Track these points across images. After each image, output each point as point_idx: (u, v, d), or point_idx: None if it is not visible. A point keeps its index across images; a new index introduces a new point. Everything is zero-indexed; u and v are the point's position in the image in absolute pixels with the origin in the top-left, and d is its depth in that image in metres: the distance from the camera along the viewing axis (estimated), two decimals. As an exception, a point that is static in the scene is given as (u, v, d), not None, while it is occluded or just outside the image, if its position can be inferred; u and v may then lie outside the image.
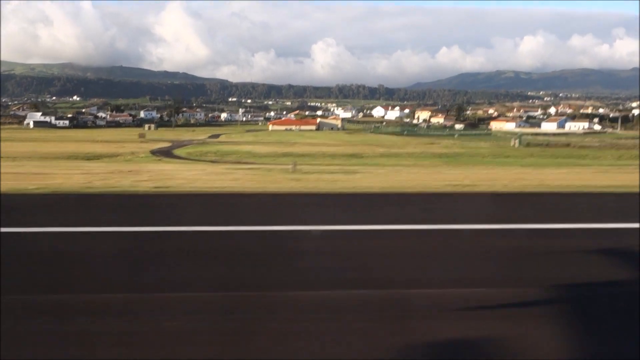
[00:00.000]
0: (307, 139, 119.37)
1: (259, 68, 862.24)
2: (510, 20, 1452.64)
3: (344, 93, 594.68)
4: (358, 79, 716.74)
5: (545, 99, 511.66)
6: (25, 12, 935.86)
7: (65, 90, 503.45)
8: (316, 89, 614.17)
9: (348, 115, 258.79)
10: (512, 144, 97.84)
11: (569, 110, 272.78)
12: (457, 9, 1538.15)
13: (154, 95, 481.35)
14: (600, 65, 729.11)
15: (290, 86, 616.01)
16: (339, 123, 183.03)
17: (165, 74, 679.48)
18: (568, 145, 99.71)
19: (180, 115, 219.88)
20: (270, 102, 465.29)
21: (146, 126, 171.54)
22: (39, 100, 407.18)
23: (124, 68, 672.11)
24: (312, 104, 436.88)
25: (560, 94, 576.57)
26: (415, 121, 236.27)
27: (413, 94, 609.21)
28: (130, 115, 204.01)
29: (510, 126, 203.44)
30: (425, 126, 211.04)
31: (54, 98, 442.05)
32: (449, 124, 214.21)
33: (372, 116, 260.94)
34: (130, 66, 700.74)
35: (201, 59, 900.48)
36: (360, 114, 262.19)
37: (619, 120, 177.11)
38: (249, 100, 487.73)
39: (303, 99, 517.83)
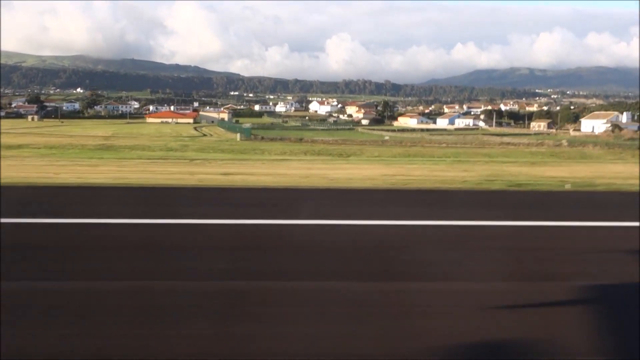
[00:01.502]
0: (83, 131, 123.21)
1: (272, 62, 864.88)
2: (526, 17, 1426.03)
3: (350, 88, 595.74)
4: (372, 74, 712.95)
5: (552, 96, 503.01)
6: (34, 3, 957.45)
7: (70, 83, 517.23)
8: (322, 83, 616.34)
9: (282, 109, 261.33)
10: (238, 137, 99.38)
11: (517, 108, 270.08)
12: (474, 5, 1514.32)
13: (157, 88, 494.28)
14: (617, 64, 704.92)
15: (296, 80, 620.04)
16: (225, 116, 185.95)
17: (177, 67, 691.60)
18: (301, 139, 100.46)
19: (102, 107, 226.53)
20: (271, 97, 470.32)
21: (29, 117, 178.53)
22: (42, 92, 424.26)
23: (135, 61, 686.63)
24: (312, 98, 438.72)
25: (568, 92, 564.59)
26: (342, 116, 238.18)
27: (419, 89, 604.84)
28: (43, 105, 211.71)
29: (413, 122, 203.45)
30: (332, 121, 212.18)
31: (57, 90, 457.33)
32: (356, 119, 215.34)
33: (309, 110, 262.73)
34: (142, 59, 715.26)
35: (214, 53, 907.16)
36: (293, 109, 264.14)
37: (494, 117, 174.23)
38: (250, 95, 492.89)
39: (304, 93, 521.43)
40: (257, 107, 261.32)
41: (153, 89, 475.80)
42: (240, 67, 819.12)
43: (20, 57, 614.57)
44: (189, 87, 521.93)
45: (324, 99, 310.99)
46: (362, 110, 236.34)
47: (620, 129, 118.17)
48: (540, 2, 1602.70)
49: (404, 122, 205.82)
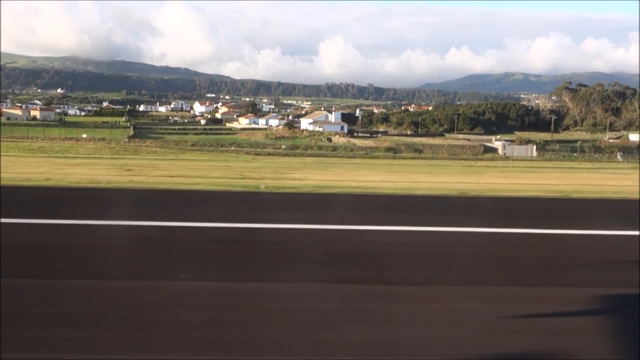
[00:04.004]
0: None
1: (264, 65, 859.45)
2: (522, 22, 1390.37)
3: (332, 92, 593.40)
4: (367, 78, 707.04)
5: (537, 101, 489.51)
6: (19, 3, 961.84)
7: (53, 83, 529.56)
8: (305, 87, 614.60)
9: (162, 109, 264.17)
10: None
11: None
12: (468, 9, 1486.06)
13: (140, 89, 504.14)
14: (614, 70, 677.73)
15: (279, 83, 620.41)
16: (37, 114, 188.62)
17: (167, 69, 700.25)
18: None
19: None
20: (247, 99, 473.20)
21: None
22: (23, 92, 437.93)
23: (125, 62, 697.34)
24: (286, 101, 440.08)
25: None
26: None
27: (402, 93, 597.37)
28: None
29: (245, 122, 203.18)
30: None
31: (39, 90, 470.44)
32: (198, 119, 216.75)
33: (192, 111, 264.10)
34: (132, 60, 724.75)
35: (204, 55, 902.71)
36: (170, 108, 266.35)
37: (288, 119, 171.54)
38: (227, 97, 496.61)
39: (285, 96, 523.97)
40: (142, 107, 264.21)
41: (130, 90, 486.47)
42: (232, 69, 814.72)
43: (11, 57, 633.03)
44: (171, 89, 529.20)
45: (211, 101, 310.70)
46: (230, 110, 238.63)
47: (293, 127, 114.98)
48: (536, 7, 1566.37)
49: (241, 121, 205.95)
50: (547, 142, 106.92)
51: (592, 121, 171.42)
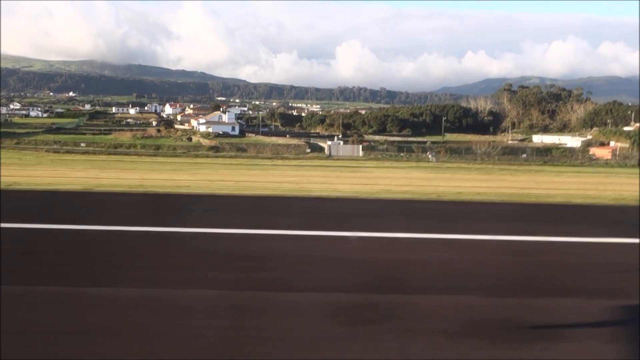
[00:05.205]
0: None
1: (281, 69, 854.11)
2: (539, 26, 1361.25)
3: (345, 95, 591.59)
4: (383, 81, 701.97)
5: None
6: (34, 7, 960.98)
7: (66, 87, 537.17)
8: (318, 90, 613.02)
9: (132, 111, 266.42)
10: None
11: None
12: (485, 13, 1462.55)
13: (152, 92, 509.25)
14: (630, 74, 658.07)
15: (292, 87, 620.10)
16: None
17: (183, 72, 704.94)
18: None
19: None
20: (258, 102, 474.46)
21: None
22: (35, 95, 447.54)
23: (141, 66, 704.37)
24: (293, 104, 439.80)
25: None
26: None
27: (415, 97, 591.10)
28: None
29: (195, 123, 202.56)
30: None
31: (51, 93, 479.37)
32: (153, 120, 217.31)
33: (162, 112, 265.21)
34: (148, 64, 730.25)
35: (220, 58, 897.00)
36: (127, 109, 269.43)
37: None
38: (237, 100, 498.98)
39: (288, 99, 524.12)
40: (113, 109, 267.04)
41: (142, 93, 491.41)
42: (249, 73, 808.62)
43: (28, 61, 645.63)
44: (184, 93, 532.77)
45: (181, 102, 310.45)
46: (193, 111, 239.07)
47: (170, 127, 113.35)
48: (553, 11, 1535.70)
49: (192, 123, 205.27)
50: (388, 142, 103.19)
51: (528, 123, 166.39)
